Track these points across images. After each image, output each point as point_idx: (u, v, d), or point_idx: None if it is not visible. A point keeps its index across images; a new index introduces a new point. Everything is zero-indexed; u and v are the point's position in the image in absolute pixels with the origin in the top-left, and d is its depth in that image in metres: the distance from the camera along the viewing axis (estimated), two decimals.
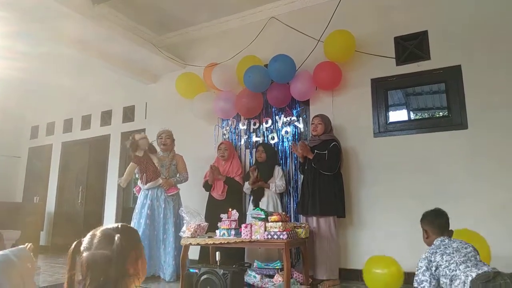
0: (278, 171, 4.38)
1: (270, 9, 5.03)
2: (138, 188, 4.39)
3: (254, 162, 4.70)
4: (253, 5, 5.07)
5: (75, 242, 1.15)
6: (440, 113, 4.10)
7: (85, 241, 1.13)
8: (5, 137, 8.11)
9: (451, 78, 3.93)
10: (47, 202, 7.71)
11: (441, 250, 2.19)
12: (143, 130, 5.93)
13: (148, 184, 4.19)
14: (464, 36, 3.92)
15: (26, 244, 2.12)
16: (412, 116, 4.27)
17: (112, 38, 4.68)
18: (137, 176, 4.37)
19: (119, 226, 1.19)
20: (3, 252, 1.89)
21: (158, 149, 4.46)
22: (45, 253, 6.82)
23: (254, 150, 4.68)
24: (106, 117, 7.32)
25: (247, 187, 4.42)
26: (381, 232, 3.98)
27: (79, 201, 7.46)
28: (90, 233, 1.16)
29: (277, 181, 4.30)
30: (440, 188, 3.77)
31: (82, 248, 1.11)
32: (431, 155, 3.89)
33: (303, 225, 3.67)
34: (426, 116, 4.22)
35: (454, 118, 3.86)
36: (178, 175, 4.42)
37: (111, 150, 7.06)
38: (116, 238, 1.10)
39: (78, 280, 1.08)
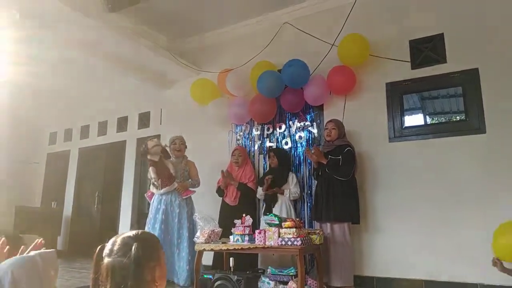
0: (292, 177, 4.35)
1: (284, 15, 5.04)
2: (150, 194, 4.41)
3: (268, 167, 4.69)
4: (266, 11, 5.09)
5: (99, 247, 1.20)
6: (457, 117, 4.02)
7: (107, 247, 1.19)
8: (24, 143, 8.29)
9: (468, 81, 3.85)
10: (64, 207, 7.85)
11: None
12: (158, 136, 5.99)
13: (163, 189, 4.21)
14: (481, 38, 3.84)
15: (36, 240, 2.13)
16: (428, 120, 4.20)
17: (128, 44, 4.75)
18: (152, 181, 4.37)
19: (139, 234, 1.22)
20: (32, 254, 1.92)
21: (171, 155, 4.49)
22: (62, 258, 6.91)
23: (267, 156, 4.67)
24: (122, 123, 7.43)
25: (260, 193, 4.40)
26: (397, 239, 3.91)
27: (96, 206, 7.56)
28: (113, 239, 1.21)
29: (292, 188, 4.28)
30: (458, 194, 3.69)
31: (103, 254, 1.17)
32: (448, 160, 3.81)
33: (317, 231, 3.63)
34: (443, 121, 4.15)
35: (472, 123, 3.78)
36: (190, 180, 4.44)
37: (127, 156, 7.16)
38: (133, 247, 1.14)
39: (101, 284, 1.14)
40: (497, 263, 2.96)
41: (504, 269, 2.94)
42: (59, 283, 4.30)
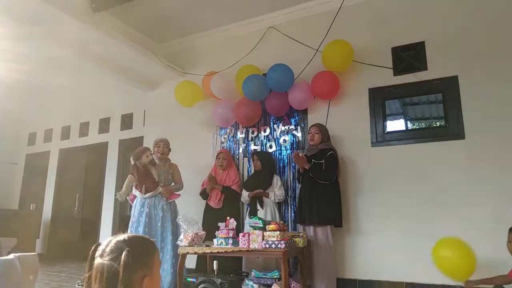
0: (277, 180, 4.38)
1: (269, 19, 5.08)
2: (132, 197, 4.38)
3: (252, 170, 4.71)
4: (252, 14, 5.12)
5: (94, 245, 1.18)
6: (437, 123, 4.13)
7: (101, 246, 1.16)
8: (2, 143, 8.10)
9: (448, 88, 3.96)
10: (43, 209, 7.68)
11: None
12: (141, 138, 5.94)
13: (148, 194, 4.20)
14: (461, 47, 3.96)
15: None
16: (410, 125, 4.30)
17: (112, 45, 4.70)
18: (132, 184, 4.36)
19: (134, 239, 1.19)
20: (11, 257, 1.87)
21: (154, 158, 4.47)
22: (41, 261, 6.72)
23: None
24: (104, 125, 7.33)
25: (246, 198, 4.41)
26: (378, 242, 3.98)
27: (76, 209, 7.44)
28: (109, 238, 1.18)
29: (277, 191, 4.30)
30: (438, 198, 3.78)
31: (96, 254, 1.15)
32: (428, 165, 3.91)
33: (301, 234, 3.67)
34: (424, 126, 4.25)
35: (451, 128, 3.89)
36: (173, 184, 4.43)
37: (108, 157, 7.06)
38: (124, 253, 1.11)
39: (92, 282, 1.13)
40: (469, 284, 2.98)
41: (476, 282, 2.95)
42: (37, 287, 4.22)
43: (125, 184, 4.30)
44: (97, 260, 1.12)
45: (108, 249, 1.14)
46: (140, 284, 1.12)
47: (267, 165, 4.46)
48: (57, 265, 6.22)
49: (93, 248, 1.17)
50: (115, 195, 4.44)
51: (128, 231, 4.20)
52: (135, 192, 4.31)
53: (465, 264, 3.01)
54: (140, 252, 1.16)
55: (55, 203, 7.66)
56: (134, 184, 4.31)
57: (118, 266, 1.09)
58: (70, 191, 7.63)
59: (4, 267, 1.82)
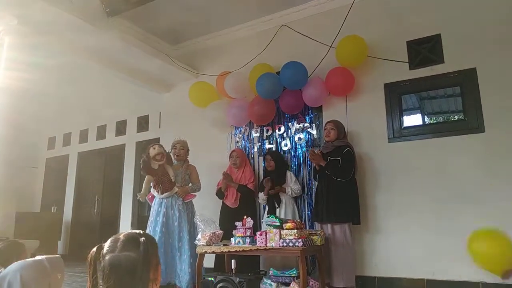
0: (290, 176, 4.36)
1: (281, 17, 5.06)
2: (151, 196, 4.42)
3: (264, 171, 4.70)
4: (264, 13, 5.11)
5: (96, 247, 1.15)
6: (456, 117, 4.04)
7: (107, 244, 1.13)
8: (23, 148, 8.25)
9: (466, 81, 3.87)
10: (64, 212, 7.84)
11: None
12: (157, 139, 6.00)
13: (164, 194, 4.24)
14: (478, 38, 3.87)
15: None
16: (427, 120, 4.22)
17: (126, 49, 4.76)
18: (151, 184, 4.41)
19: (141, 231, 1.21)
20: (40, 258, 1.93)
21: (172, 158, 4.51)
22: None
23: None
24: (121, 127, 7.44)
25: (262, 198, 4.40)
26: (397, 239, 3.93)
27: (95, 210, 7.56)
28: (112, 237, 1.17)
29: (292, 185, 4.28)
30: (458, 193, 3.71)
31: (104, 251, 1.11)
32: (447, 160, 3.83)
33: (318, 232, 3.65)
34: (441, 120, 4.17)
35: (470, 122, 3.80)
36: (190, 185, 4.46)
37: (126, 159, 7.17)
38: (141, 240, 1.12)
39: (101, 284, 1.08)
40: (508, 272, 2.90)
41: None
42: None
43: (144, 184, 4.36)
44: (108, 256, 1.09)
45: (119, 244, 1.12)
46: (154, 271, 1.13)
47: (281, 165, 4.46)
48: (79, 266, 6.32)
49: (95, 250, 1.14)
50: (137, 196, 4.50)
51: (146, 230, 4.24)
52: (153, 192, 4.36)
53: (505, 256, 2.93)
54: (153, 241, 1.19)
55: (75, 205, 7.82)
56: (152, 183, 4.36)
57: (136, 255, 1.09)
58: (89, 193, 7.77)
59: (35, 268, 1.89)
